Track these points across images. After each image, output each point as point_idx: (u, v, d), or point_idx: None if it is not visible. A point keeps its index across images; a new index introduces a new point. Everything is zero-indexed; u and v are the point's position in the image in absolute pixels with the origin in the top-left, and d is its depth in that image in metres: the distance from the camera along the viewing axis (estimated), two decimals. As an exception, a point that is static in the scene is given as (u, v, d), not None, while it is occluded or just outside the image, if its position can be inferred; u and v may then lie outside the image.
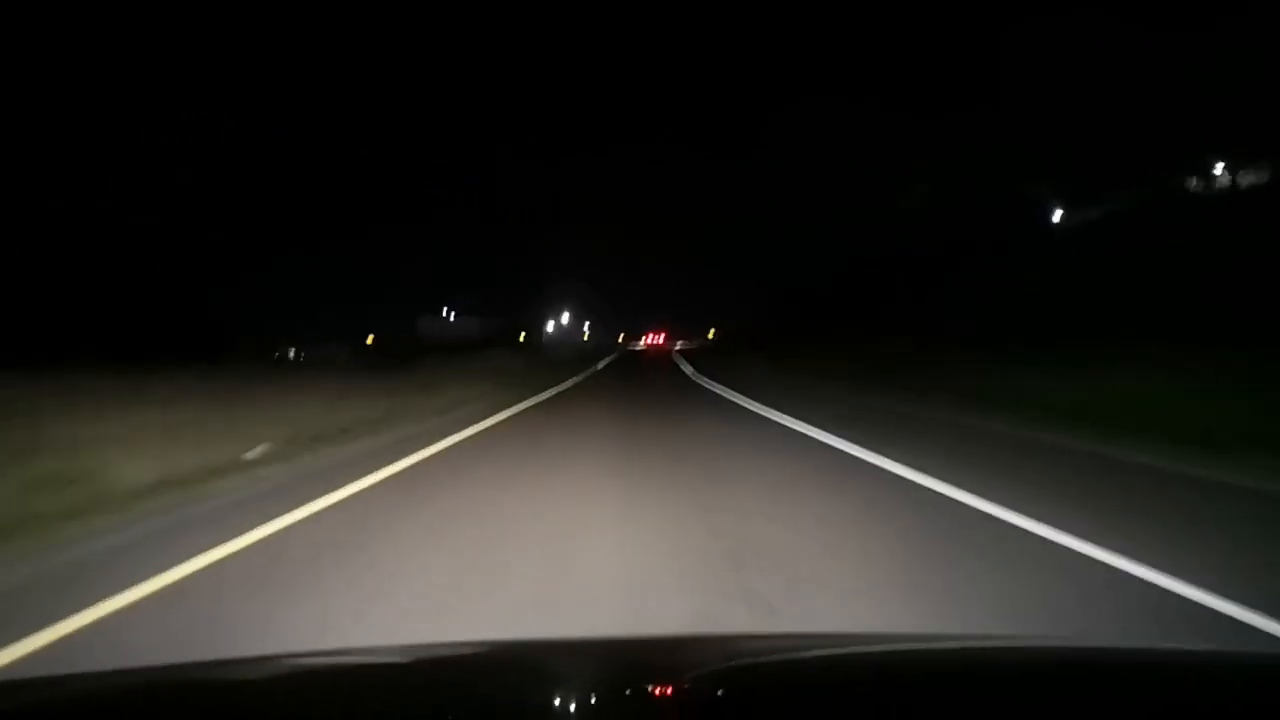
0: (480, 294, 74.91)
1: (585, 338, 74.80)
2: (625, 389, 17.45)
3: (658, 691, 1.05)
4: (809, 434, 8.17)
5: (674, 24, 68.82)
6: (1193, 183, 20.98)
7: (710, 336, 71.16)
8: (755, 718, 0.95)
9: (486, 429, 8.90)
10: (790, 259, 36.49)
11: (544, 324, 71.14)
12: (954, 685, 1.05)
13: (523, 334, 63.10)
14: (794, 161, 30.67)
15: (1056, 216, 25.73)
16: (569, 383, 18.25)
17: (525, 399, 12.91)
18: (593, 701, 1.02)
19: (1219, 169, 20.40)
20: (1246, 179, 18.96)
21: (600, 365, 30.36)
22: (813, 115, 28.70)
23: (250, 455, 6.35)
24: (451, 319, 66.20)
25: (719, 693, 1.04)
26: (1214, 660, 1.27)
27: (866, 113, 25.77)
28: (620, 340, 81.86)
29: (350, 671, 1.25)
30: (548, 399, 13.51)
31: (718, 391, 15.06)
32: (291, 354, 36.80)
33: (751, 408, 11.37)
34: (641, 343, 76.16)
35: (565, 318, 73.72)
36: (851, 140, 25.79)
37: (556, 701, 1.04)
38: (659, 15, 69.55)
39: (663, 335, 72.43)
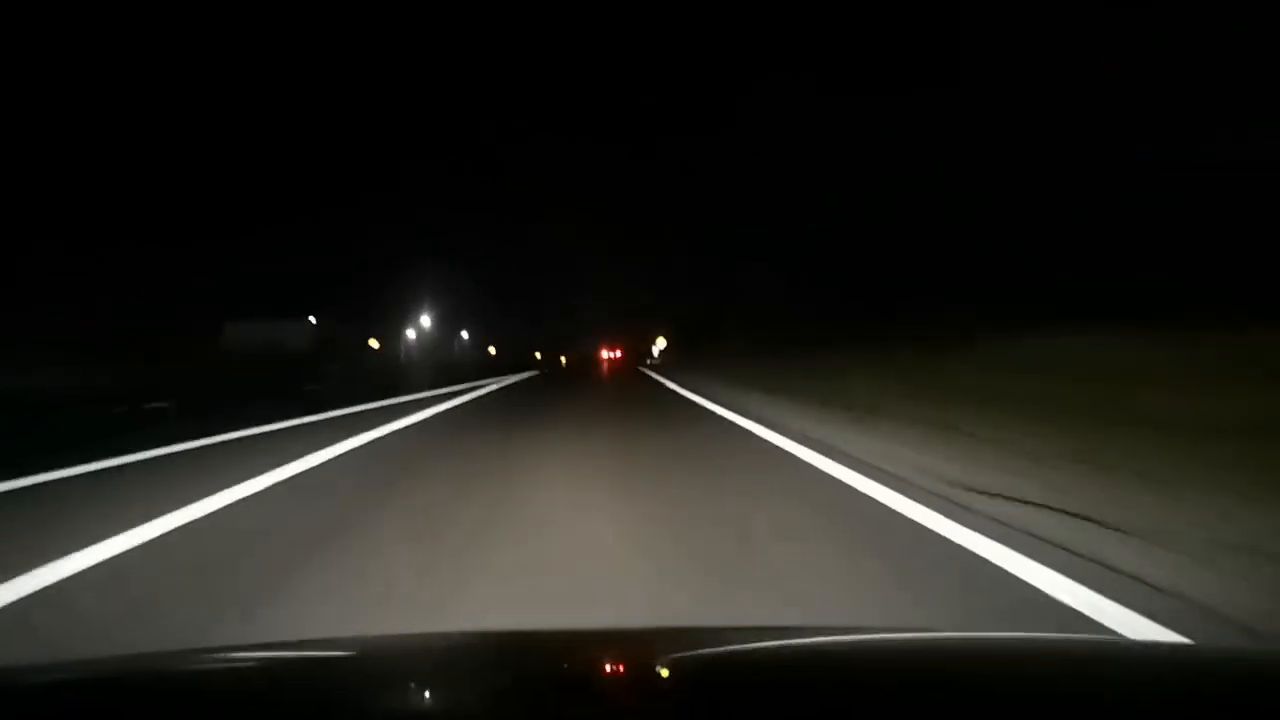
0: (348, 294, 55.44)
1: (398, 351, 52.03)
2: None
3: (629, 680, 1.06)
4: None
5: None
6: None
7: (655, 352, 49.26)
8: (730, 709, 0.93)
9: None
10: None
11: (401, 332, 51.99)
12: (935, 677, 1.05)
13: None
14: (774, 144, 28.94)
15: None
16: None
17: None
18: (565, 691, 1.00)
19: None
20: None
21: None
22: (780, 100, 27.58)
23: None
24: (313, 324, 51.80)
25: (692, 682, 1.04)
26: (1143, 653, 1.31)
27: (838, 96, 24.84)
28: (491, 355, 61.51)
29: (323, 664, 1.21)
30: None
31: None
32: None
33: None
34: (567, 359, 62.39)
35: (426, 322, 54.65)
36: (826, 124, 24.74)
37: (526, 691, 1.01)
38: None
39: (619, 351, 61.27)
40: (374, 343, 40.46)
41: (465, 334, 65.35)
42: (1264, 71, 13.23)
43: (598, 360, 58.03)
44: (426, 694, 1.04)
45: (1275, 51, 13.00)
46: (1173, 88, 14.97)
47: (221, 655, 1.37)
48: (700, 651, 1.22)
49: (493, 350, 63.61)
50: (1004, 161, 19.32)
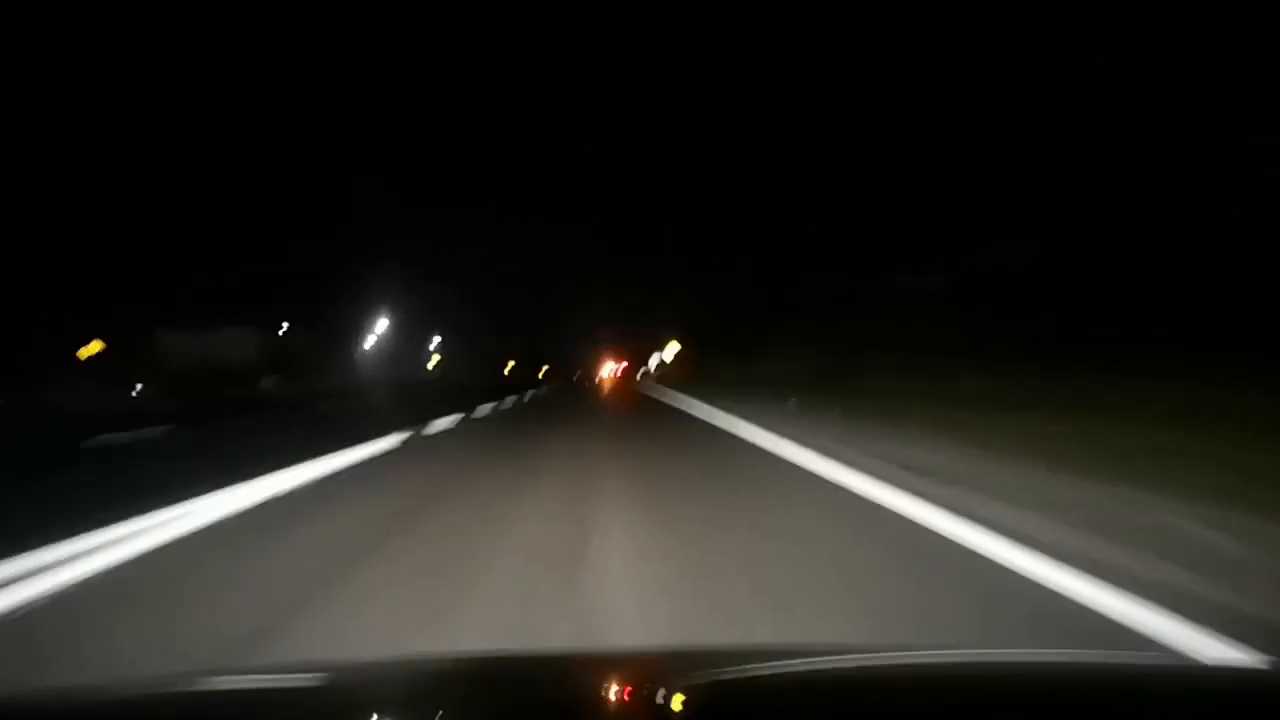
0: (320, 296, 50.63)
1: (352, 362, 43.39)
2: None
3: (637, 704, 1.03)
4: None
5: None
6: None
7: (654, 363, 42.65)
8: None
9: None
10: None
11: (358, 342, 45.59)
12: (941, 696, 1.03)
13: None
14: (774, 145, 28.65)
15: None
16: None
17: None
18: (572, 715, 0.99)
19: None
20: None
21: None
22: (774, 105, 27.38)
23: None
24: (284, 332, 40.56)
25: (700, 705, 1.01)
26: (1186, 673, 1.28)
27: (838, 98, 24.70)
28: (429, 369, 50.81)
29: (332, 687, 1.20)
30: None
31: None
32: None
33: None
34: (546, 375, 55.12)
35: (383, 326, 46.70)
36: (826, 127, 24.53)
37: (532, 716, 1.00)
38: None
39: (622, 366, 54.16)
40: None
41: (438, 337, 58.71)
42: (1264, 71, 13.19)
43: (595, 379, 48.96)
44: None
45: (1275, 51, 12.98)
46: (1173, 88, 14.96)
47: (209, 680, 1.34)
48: (715, 677, 1.13)
49: (432, 364, 54.26)
50: (1004, 161, 19.27)
